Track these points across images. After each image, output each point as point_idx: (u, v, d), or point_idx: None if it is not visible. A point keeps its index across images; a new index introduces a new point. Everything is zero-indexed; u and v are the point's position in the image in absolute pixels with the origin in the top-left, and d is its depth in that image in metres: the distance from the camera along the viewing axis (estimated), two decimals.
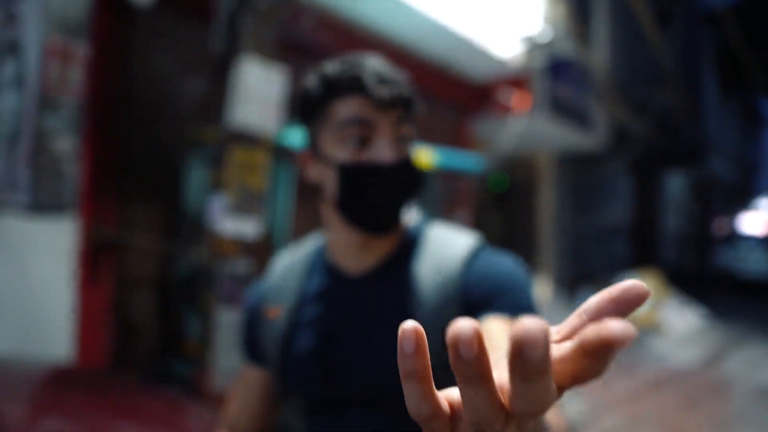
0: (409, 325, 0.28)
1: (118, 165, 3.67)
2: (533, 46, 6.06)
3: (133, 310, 3.82)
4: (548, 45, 5.98)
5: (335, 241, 0.97)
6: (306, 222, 4.89)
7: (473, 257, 0.91)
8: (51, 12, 2.18)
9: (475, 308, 0.84)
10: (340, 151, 0.87)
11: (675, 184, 15.95)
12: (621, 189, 12.79)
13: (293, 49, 4.76)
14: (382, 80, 0.85)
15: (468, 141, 7.09)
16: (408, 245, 0.97)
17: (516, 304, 0.83)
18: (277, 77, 2.93)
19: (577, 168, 9.74)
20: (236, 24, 2.83)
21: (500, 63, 6.09)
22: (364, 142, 0.86)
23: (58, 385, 2.00)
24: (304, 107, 0.92)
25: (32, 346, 3.19)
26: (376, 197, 0.86)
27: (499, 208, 9.19)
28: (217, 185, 2.86)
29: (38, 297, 3.26)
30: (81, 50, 2.33)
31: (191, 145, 3.44)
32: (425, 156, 4.04)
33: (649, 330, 8.25)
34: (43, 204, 2.25)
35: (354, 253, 0.95)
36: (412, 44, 5.59)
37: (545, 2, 6.12)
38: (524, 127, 7.01)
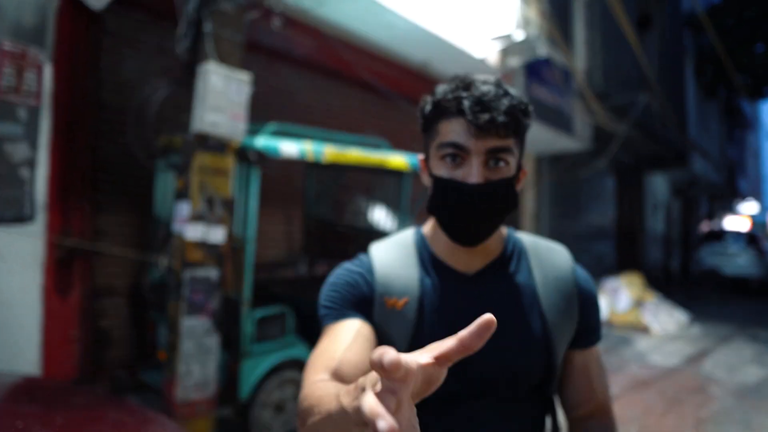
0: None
1: (88, 172, 3.61)
2: (508, 47, 6.07)
3: (106, 320, 3.76)
4: (523, 45, 5.98)
5: (441, 242, 1.07)
6: (270, 227, 4.87)
7: (576, 269, 1.10)
8: (5, 17, 2.13)
9: (584, 324, 1.07)
10: (439, 167, 0.99)
11: (658, 186, 16.07)
12: (604, 191, 12.85)
13: (263, 51, 4.73)
14: (483, 105, 0.93)
15: None
16: (511, 250, 1.10)
17: (600, 334, 1.11)
18: (242, 81, 2.90)
19: (560, 170, 9.78)
20: (200, 28, 2.79)
21: (477, 63, 6.09)
22: (458, 161, 0.96)
23: (21, 397, 1.93)
24: (422, 122, 1.04)
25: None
26: (459, 213, 0.97)
27: None
28: (182, 191, 2.81)
29: (5, 308, 3.18)
30: (38, 56, 2.28)
31: (161, 152, 3.39)
32: (401, 159, 4.01)
33: (633, 330, 8.27)
34: (1, 213, 2.20)
35: (460, 254, 1.05)
36: (387, 45, 5.57)
37: (521, 3, 6.14)
38: None
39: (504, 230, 1.11)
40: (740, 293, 13.86)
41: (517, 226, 9.40)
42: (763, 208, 30.09)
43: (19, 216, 2.20)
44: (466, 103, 0.93)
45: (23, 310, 3.26)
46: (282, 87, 5.06)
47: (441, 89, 0.99)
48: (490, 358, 0.95)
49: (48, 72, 3.24)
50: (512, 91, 0.98)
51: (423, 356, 0.50)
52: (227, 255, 3.00)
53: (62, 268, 3.42)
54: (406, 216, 4.36)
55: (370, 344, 0.96)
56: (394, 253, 1.09)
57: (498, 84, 0.97)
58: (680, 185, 17.51)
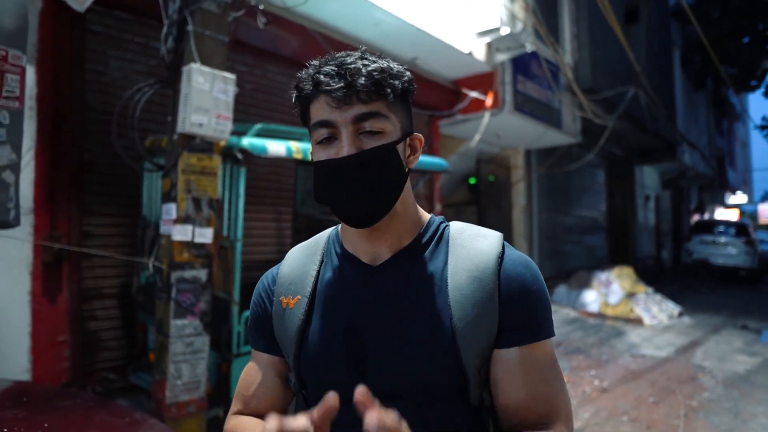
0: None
1: (74, 174, 3.58)
2: (495, 41, 6.07)
3: (95, 322, 3.74)
4: (510, 40, 5.99)
5: (349, 234, 0.99)
6: (261, 225, 4.86)
7: (505, 256, 0.93)
8: None
9: (510, 319, 0.89)
10: (317, 152, 0.91)
11: (649, 178, 16.16)
12: (596, 184, 12.91)
13: (254, 51, 4.71)
14: (338, 74, 0.86)
15: (436, 139, 7.10)
16: (427, 237, 0.98)
17: (542, 330, 0.90)
18: (227, 81, 2.88)
19: (551, 164, 9.81)
20: (185, 28, 2.77)
21: (465, 58, 6.09)
22: (331, 140, 0.89)
23: (7, 403, 1.92)
24: (300, 117, 0.96)
25: None
26: (337, 191, 0.89)
27: (474, 204, 9.22)
28: (168, 192, 2.80)
29: None
30: (20, 58, 2.26)
31: (148, 153, 3.38)
32: None
33: (625, 322, 8.33)
34: None
35: (365, 241, 0.96)
36: (375, 42, 5.56)
37: None
38: (491, 124, 7.03)
39: (424, 216, 1.01)
40: (730, 282, 13.99)
41: (508, 220, 9.43)
42: (752, 199, 30.34)
43: (4, 221, 2.19)
44: (320, 77, 0.87)
45: (11, 315, 3.24)
46: (274, 86, 5.04)
47: (299, 77, 0.92)
48: (391, 356, 0.88)
49: (30, 75, 3.22)
50: (382, 61, 0.90)
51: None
52: (215, 255, 2.99)
53: (50, 272, 3.40)
54: None
55: (279, 377, 1.03)
56: (301, 253, 1.06)
57: (362, 55, 0.90)
58: (670, 176, 17.62)
